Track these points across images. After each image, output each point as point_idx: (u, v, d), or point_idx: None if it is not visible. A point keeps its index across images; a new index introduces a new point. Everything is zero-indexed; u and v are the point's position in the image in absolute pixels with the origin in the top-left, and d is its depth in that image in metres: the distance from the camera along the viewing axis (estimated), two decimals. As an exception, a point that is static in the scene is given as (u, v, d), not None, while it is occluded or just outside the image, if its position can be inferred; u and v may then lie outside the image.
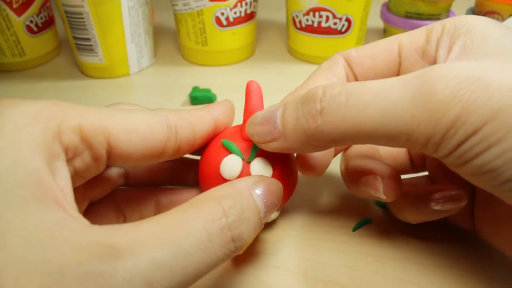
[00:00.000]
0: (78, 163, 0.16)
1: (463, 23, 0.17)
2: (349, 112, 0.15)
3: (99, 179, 0.20)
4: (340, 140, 0.16)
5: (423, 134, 0.14)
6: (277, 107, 0.17)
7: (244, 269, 0.21)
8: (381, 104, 0.14)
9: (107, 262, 0.11)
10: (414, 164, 0.23)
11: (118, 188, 0.22)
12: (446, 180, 0.21)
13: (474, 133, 0.13)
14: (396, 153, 0.23)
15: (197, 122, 0.19)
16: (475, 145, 0.14)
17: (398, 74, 0.20)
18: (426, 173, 0.23)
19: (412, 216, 0.21)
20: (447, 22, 0.18)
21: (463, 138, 0.14)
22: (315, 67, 0.41)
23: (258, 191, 0.16)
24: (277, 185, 0.17)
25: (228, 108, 0.21)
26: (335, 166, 0.27)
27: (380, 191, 0.19)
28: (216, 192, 0.15)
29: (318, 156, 0.20)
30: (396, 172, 0.20)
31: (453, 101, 0.13)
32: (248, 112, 0.20)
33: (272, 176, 0.20)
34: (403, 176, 0.23)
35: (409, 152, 0.23)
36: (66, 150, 0.15)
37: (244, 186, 0.16)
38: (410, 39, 0.19)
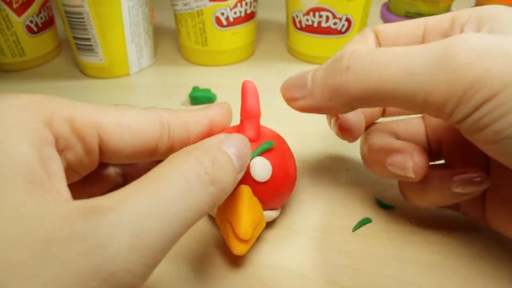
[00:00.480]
0: (71, 156, 0.16)
1: (489, 12, 0.17)
2: (373, 69, 0.16)
3: (96, 177, 0.20)
4: (362, 97, 0.16)
5: (441, 94, 0.14)
6: (312, 70, 0.19)
7: (244, 269, 0.21)
8: (403, 64, 0.15)
9: (90, 221, 0.11)
10: (432, 150, 0.23)
11: (116, 187, 0.22)
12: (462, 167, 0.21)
13: (491, 98, 0.14)
14: (414, 138, 0.23)
15: (191, 121, 0.20)
16: (491, 111, 0.14)
17: None
18: (442, 161, 0.23)
19: (432, 199, 0.20)
20: (472, 11, 0.18)
21: (480, 102, 0.14)
22: (315, 67, 0.41)
23: (227, 144, 0.17)
24: (244, 140, 0.18)
25: (225, 109, 0.21)
26: (335, 165, 0.27)
27: (409, 169, 0.19)
28: (186, 148, 0.16)
29: (354, 120, 0.22)
30: (423, 149, 0.20)
31: (473, 65, 0.14)
32: (245, 111, 0.20)
33: (272, 175, 0.20)
34: None
35: (427, 138, 0.23)
36: (57, 139, 0.15)
37: (214, 141, 0.17)
38: (435, 23, 0.20)
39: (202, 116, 0.20)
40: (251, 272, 0.20)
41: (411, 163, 0.19)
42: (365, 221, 0.23)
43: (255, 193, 0.20)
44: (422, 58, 0.15)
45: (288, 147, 0.22)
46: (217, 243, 0.22)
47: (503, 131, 0.14)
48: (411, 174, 0.19)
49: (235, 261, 0.21)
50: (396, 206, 0.24)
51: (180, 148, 0.19)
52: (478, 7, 0.18)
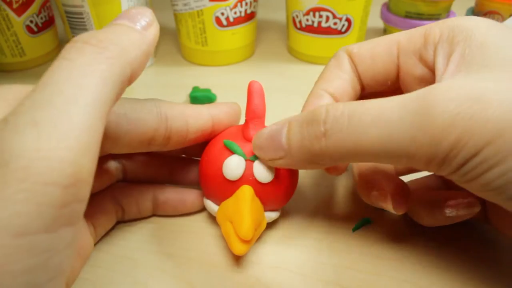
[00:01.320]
0: None
1: (462, 28, 0.17)
2: (351, 134, 0.15)
3: (97, 171, 0.20)
4: (344, 159, 0.16)
5: (424, 156, 0.14)
6: (282, 126, 0.18)
7: (244, 269, 0.21)
8: (381, 126, 0.15)
9: None
10: None
11: (117, 182, 0.23)
12: None
13: (475, 155, 0.14)
14: None
15: (191, 115, 0.20)
16: (477, 166, 0.14)
17: (397, 75, 0.20)
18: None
19: (427, 221, 0.21)
20: (445, 27, 0.18)
21: (464, 160, 0.14)
22: (315, 67, 0.41)
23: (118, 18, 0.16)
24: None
25: (232, 108, 0.22)
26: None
27: (389, 206, 0.19)
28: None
29: None
30: (404, 187, 0.20)
31: (452, 125, 0.14)
32: (250, 112, 0.20)
33: (275, 176, 0.20)
34: (417, 174, 0.23)
35: None
36: None
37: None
38: (408, 41, 0.19)
39: (204, 112, 0.20)
40: (251, 272, 0.20)
41: (390, 202, 0.19)
42: (365, 221, 0.23)
43: (257, 194, 0.20)
44: (400, 120, 0.14)
45: None
46: (217, 243, 0.22)
47: (490, 183, 0.14)
48: (392, 210, 0.19)
49: (235, 261, 0.21)
50: (396, 206, 0.24)
51: (178, 141, 0.20)
52: (450, 20, 0.18)
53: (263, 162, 0.19)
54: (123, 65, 0.14)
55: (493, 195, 0.15)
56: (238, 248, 0.19)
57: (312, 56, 0.41)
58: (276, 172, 0.20)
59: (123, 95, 0.17)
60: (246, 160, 0.20)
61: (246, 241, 0.19)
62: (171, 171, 0.24)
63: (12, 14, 0.37)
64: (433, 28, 0.18)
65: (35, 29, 0.40)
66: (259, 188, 0.20)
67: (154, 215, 0.24)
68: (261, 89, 0.20)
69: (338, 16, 0.37)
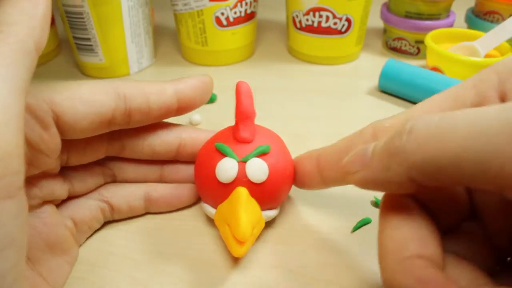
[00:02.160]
0: (29, 132, 0.16)
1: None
2: (437, 132, 0.13)
3: (80, 176, 0.21)
4: (422, 167, 0.13)
5: None
6: (367, 147, 0.16)
7: (244, 269, 0.21)
8: (473, 124, 0.12)
9: None
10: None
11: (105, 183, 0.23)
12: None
13: None
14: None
15: (153, 92, 0.20)
16: None
17: None
18: None
19: None
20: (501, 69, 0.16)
21: None
22: (315, 67, 0.41)
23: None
24: None
25: (200, 81, 0.21)
26: (335, 166, 0.27)
27: None
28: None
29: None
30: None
31: None
32: (239, 113, 0.20)
33: (269, 176, 0.20)
34: None
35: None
36: None
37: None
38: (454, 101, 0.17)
39: (167, 88, 0.20)
40: (251, 272, 0.20)
41: None
42: (365, 222, 0.23)
43: (252, 194, 0.20)
44: (499, 116, 0.11)
45: (284, 146, 0.22)
46: (217, 243, 0.22)
47: None
48: None
49: (235, 261, 0.21)
50: (396, 206, 0.24)
51: (140, 118, 0.20)
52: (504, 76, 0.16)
53: (347, 177, 0.16)
54: (21, 41, 0.14)
55: None
56: (237, 250, 0.19)
57: (312, 56, 0.41)
58: (270, 171, 0.20)
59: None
60: (238, 161, 0.20)
61: (243, 242, 0.19)
62: (161, 173, 0.24)
63: (12, 14, 0.37)
64: (489, 76, 0.16)
65: (35, 29, 0.40)
66: (254, 189, 0.20)
67: (147, 213, 0.24)
68: (249, 90, 0.20)
69: (338, 16, 0.37)
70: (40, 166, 0.18)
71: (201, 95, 0.21)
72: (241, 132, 0.20)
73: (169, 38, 0.47)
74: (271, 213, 0.21)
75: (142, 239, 0.22)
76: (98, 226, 0.22)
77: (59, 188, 0.20)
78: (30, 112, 0.16)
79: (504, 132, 0.11)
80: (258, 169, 0.20)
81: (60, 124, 0.18)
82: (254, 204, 0.20)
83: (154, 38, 0.42)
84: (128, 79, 0.20)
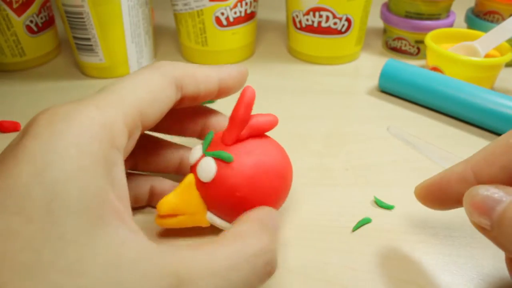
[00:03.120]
0: (124, 154, 0.17)
1: None
2: None
3: None
4: None
5: None
6: (500, 198, 0.15)
7: (244, 269, 0.21)
8: None
9: None
10: None
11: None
12: None
13: None
14: None
15: (202, 80, 0.21)
16: None
17: None
18: None
19: None
20: None
21: None
22: (315, 67, 0.41)
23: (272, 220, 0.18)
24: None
25: (238, 71, 0.22)
26: (335, 165, 0.27)
27: None
28: (253, 226, 0.17)
29: None
30: None
31: None
32: (231, 117, 0.19)
33: (215, 178, 0.19)
34: None
35: None
36: (122, 151, 0.16)
37: (268, 217, 0.18)
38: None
39: (213, 75, 0.21)
40: (251, 272, 0.20)
41: None
42: (365, 221, 0.23)
43: (198, 189, 0.20)
44: None
45: (275, 163, 0.20)
46: (217, 243, 0.22)
47: None
48: None
49: (235, 261, 0.21)
50: (396, 206, 0.24)
51: (189, 103, 0.21)
52: None
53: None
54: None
55: None
56: (156, 219, 0.21)
57: (312, 56, 0.41)
58: (218, 174, 0.19)
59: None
60: (202, 153, 0.20)
61: (162, 216, 0.20)
62: (180, 164, 0.24)
63: (12, 14, 0.37)
64: None
65: (35, 29, 0.40)
66: (199, 185, 0.20)
67: (148, 205, 0.24)
68: (252, 99, 0.19)
69: (338, 16, 0.37)
70: None
71: (239, 84, 0.22)
72: (226, 133, 0.20)
73: (169, 38, 0.47)
74: (218, 221, 0.21)
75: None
76: None
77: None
78: (130, 135, 0.17)
79: None
80: (203, 168, 0.20)
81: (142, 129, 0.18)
82: (192, 195, 0.20)
83: (154, 38, 0.42)
84: (179, 63, 0.21)
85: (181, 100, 0.20)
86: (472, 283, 0.20)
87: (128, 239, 0.14)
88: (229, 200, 0.19)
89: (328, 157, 0.28)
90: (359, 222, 0.23)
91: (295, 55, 0.43)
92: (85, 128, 0.14)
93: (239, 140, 0.20)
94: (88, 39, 0.37)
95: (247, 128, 0.20)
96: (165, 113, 0.19)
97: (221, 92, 0.22)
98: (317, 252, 0.21)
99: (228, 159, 0.19)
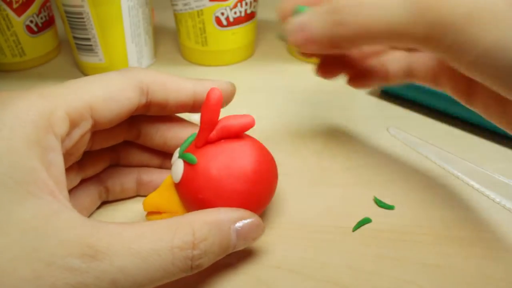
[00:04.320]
0: (67, 143, 0.17)
1: None
2: (361, 21, 0.17)
3: (93, 161, 0.22)
4: (359, 42, 0.18)
5: (422, 36, 0.16)
6: (306, 16, 0.19)
7: (244, 269, 0.21)
8: (382, 19, 0.17)
9: (85, 261, 0.14)
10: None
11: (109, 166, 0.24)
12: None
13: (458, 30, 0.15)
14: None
15: (173, 89, 0.21)
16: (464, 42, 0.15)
17: None
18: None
19: None
20: None
21: (453, 39, 0.15)
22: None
23: (238, 226, 0.18)
24: (259, 224, 0.19)
25: (222, 88, 0.22)
26: (335, 165, 0.27)
27: None
28: (197, 222, 0.17)
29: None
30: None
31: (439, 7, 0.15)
32: (203, 122, 0.19)
33: (180, 180, 0.20)
34: None
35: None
36: (60, 138, 0.17)
37: (228, 220, 0.17)
38: None
39: (188, 87, 0.21)
40: (251, 272, 0.20)
41: None
42: (365, 221, 0.23)
43: (176, 189, 0.20)
44: (400, 10, 0.16)
45: (244, 166, 0.19)
46: (217, 243, 0.22)
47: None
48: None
49: (235, 261, 0.21)
50: (396, 206, 0.24)
51: (157, 111, 0.21)
52: None
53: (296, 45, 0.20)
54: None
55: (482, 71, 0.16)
56: (146, 215, 0.21)
57: (312, 56, 0.41)
58: (183, 175, 0.19)
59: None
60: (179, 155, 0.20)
61: (148, 213, 0.21)
62: (163, 160, 0.25)
63: (12, 14, 0.37)
64: None
65: (35, 29, 0.40)
66: (175, 185, 0.20)
67: (138, 195, 0.24)
68: (218, 101, 0.19)
69: (338, 16, 0.37)
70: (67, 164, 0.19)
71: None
72: (197, 135, 0.20)
73: (169, 38, 0.47)
74: None
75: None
76: (94, 209, 0.23)
77: (74, 177, 0.21)
78: (74, 125, 0.17)
79: (404, 18, 0.16)
80: (173, 169, 0.20)
81: (95, 124, 0.19)
82: (172, 194, 0.20)
83: (154, 38, 0.42)
84: (152, 71, 0.21)
85: (148, 106, 0.21)
86: (473, 282, 0.20)
87: (59, 212, 0.14)
88: (194, 202, 0.19)
89: (328, 157, 0.28)
90: (359, 222, 0.23)
91: (295, 55, 0.43)
92: (22, 112, 0.15)
93: (209, 142, 0.20)
94: (88, 39, 0.37)
95: (216, 130, 0.19)
96: (126, 114, 0.19)
97: (198, 105, 0.22)
98: (317, 252, 0.21)
99: (191, 161, 0.19)
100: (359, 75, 0.25)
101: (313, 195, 0.25)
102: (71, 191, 0.22)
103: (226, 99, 0.23)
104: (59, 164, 0.16)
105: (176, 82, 0.21)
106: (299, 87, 0.37)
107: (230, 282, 0.20)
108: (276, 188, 0.21)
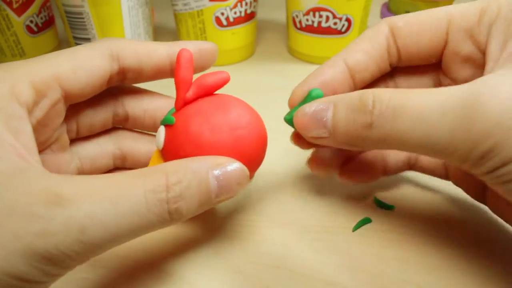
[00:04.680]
0: (39, 112, 0.17)
1: None
2: (395, 129, 0.16)
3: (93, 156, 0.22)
4: (385, 147, 0.17)
5: (460, 157, 0.15)
6: (327, 106, 0.18)
7: (244, 269, 0.21)
8: (423, 128, 0.15)
9: (49, 208, 0.13)
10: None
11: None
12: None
13: (505, 163, 0.14)
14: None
15: (144, 53, 0.20)
16: (508, 173, 0.15)
17: (441, 54, 0.20)
18: None
19: None
20: (504, 5, 0.17)
21: (495, 166, 0.15)
22: (315, 67, 0.41)
23: (217, 172, 0.16)
24: (242, 170, 0.17)
25: (198, 48, 0.21)
26: (335, 166, 0.27)
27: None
28: (169, 166, 0.16)
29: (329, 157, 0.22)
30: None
31: (490, 134, 0.14)
32: (177, 82, 0.19)
33: (163, 148, 0.19)
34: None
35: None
36: (27, 107, 0.16)
37: (204, 165, 0.16)
38: (461, 17, 0.19)
39: (160, 50, 0.21)
40: (251, 272, 0.20)
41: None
42: (365, 221, 0.23)
43: (162, 159, 0.20)
44: (441, 124, 0.15)
45: (226, 118, 0.18)
46: (217, 243, 0.22)
47: None
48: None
49: (235, 261, 0.21)
50: (396, 206, 0.24)
51: (133, 77, 0.21)
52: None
53: (305, 137, 0.19)
54: (166, 225, 0.16)
55: None
56: None
57: (312, 56, 0.41)
58: (166, 139, 0.19)
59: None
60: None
61: None
62: None
63: (12, 14, 0.37)
64: (491, 6, 0.18)
65: (35, 29, 0.40)
66: (161, 154, 0.20)
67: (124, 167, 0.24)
68: (189, 58, 0.19)
69: (338, 16, 0.37)
70: (41, 136, 0.19)
71: (198, 62, 0.21)
72: (176, 102, 0.19)
73: (169, 38, 0.47)
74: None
75: (142, 239, 0.22)
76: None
77: (69, 169, 0.21)
78: (41, 94, 0.17)
79: (444, 134, 0.15)
80: (157, 136, 0.20)
81: (66, 96, 0.18)
82: None
83: (154, 38, 0.42)
84: (122, 39, 0.21)
85: (122, 73, 0.20)
86: (473, 282, 0.20)
87: (27, 169, 0.14)
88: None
89: (328, 157, 0.28)
90: (359, 222, 0.23)
91: (295, 55, 0.43)
92: None
93: (187, 103, 0.19)
94: (88, 39, 0.37)
95: (192, 89, 0.19)
96: (99, 82, 0.19)
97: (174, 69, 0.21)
98: (317, 252, 0.21)
99: (170, 122, 0.19)
100: (354, 169, 0.23)
101: (313, 195, 0.25)
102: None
103: (208, 59, 0.22)
104: (28, 131, 0.16)
105: (147, 46, 0.21)
106: (299, 87, 0.37)
107: (231, 282, 0.20)
108: (266, 145, 0.20)
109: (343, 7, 0.37)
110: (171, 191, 0.15)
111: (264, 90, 0.36)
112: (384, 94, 0.16)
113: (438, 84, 0.22)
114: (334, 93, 0.21)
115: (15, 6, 0.37)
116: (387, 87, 0.23)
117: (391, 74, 0.23)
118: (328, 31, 0.39)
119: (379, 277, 0.20)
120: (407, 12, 0.40)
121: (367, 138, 0.17)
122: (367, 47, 0.21)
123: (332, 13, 0.37)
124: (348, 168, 0.23)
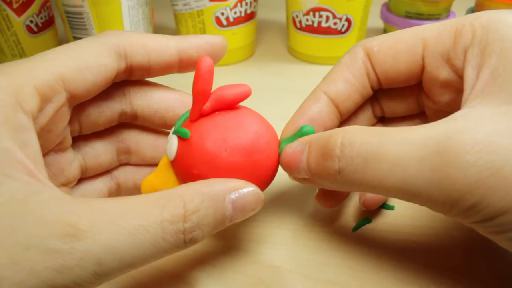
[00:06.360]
0: (42, 120, 0.17)
1: (497, 34, 0.16)
2: (369, 177, 0.16)
3: (96, 153, 0.21)
4: (359, 190, 0.17)
5: (443, 208, 0.15)
6: (303, 148, 0.18)
7: (244, 269, 0.21)
8: (398, 175, 0.15)
9: (66, 241, 0.12)
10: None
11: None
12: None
13: (491, 218, 0.14)
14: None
15: (154, 50, 0.20)
16: (495, 226, 0.14)
17: (420, 76, 0.20)
18: None
19: None
20: (478, 26, 0.17)
21: (481, 219, 0.14)
22: (315, 67, 0.41)
23: (233, 196, 0.16)
24: (258, 194, 0.17)
25: (207, 43, 0.20)
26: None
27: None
28: (187, 192, 0.15)
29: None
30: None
31: (471, 192, 0.14)
32: (195, 93, 0.18)
33: (175, 158, 0.19)
34: None
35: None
36: (32, 115, 0.16)
37: (222, 191, 0.16)
38: (436, 40, 0.18)
39: (170, 46, 0.20)
40: (251, 272, 0.20)
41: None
42: (365, 221, 0.23)
43: (172, 168, 0.19)
44: (418, 176, 0.14)
45: (241, 138, 0.18)
46: (217, 243, 0.22)
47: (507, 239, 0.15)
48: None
49: (235, 261, 0.21)
50: (396, 206, 0.24)
51: (141, 74, 0.20)
52: (485, 16, 0.17)
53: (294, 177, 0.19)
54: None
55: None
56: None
57: (312, 56, 0.41)
58: (178, 151, 0.19)
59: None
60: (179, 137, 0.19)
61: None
62: None
63: (12, 14, 0.37)
64: (465, 27, 0.17)
65: (35, 29, 0.40)
66: (171, 163, 0.19)
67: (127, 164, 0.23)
68: (210, 69, 0.17)
69: (338, 16, 0.37)
70: (45, 143, 0.18)
71: (211, 56, 0.20)
72: (191, 114, 0.19)
73: (169, 38, 0.47)
74: None
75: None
76: None
77: (71, 168, 0.20)
78: (46, 99, 0.16)
79: (423, 190, 0.15)
80: (168, 146, 0.19)
81: (70, 98, 0.18)
82: (169, 173, 0.19)
83: (154, 38, 0.42)
84: (129, 32, 0.20)
85: (130, 70, 0.20)
86: (472, 282, 0.20)
87: (39, 191, 0.13)
88: (189, 178, 0.18)
89: (328, 157, 0.28)
90: (359, 222, 0.23)
91: (295, 55, 0.43)
92: None
93: (203, 115, 0.18)
94: (88, 39, 0.37)
95: (210, 101, 0.18)
96: (105, 82, 0.18)
97: (184, 65, 0.20)
98: (317, 252, 0.21)
99: (185, 135, 0.18)
100: (330, 193, 0.22)
101: (313, 194, 0.25)
102: (78, 183, 0.21)
103: (218, 54, 0.21)
104: (34, 143, 0.15)
105: (157, 41, 0.20)
106: (299, 87, 0.37)
107: (231, 282, 0.20)
108: (279, 164, 0.20)
109: (343, 7, 0.37)
110: (188, 221, 0.15)
111: (264, 90, 0.36)
112: (355, 136, 0.16)
113: (423, 104, 0.22)
114: (324, 127, 0.20)
115: (15, 6, 0.37)
116: (373, 111, 0.23)
117: (376, 97, 0.23)
118: (328, 31, 0.39)
119: (379, 277, 0.20)
120: (407, 12, 0.40)
121: (338, 184, 0.17)
122: (347, 76, 0.20)
123: (332, 13, 0.37)
124: (321, 193, 0.22)
